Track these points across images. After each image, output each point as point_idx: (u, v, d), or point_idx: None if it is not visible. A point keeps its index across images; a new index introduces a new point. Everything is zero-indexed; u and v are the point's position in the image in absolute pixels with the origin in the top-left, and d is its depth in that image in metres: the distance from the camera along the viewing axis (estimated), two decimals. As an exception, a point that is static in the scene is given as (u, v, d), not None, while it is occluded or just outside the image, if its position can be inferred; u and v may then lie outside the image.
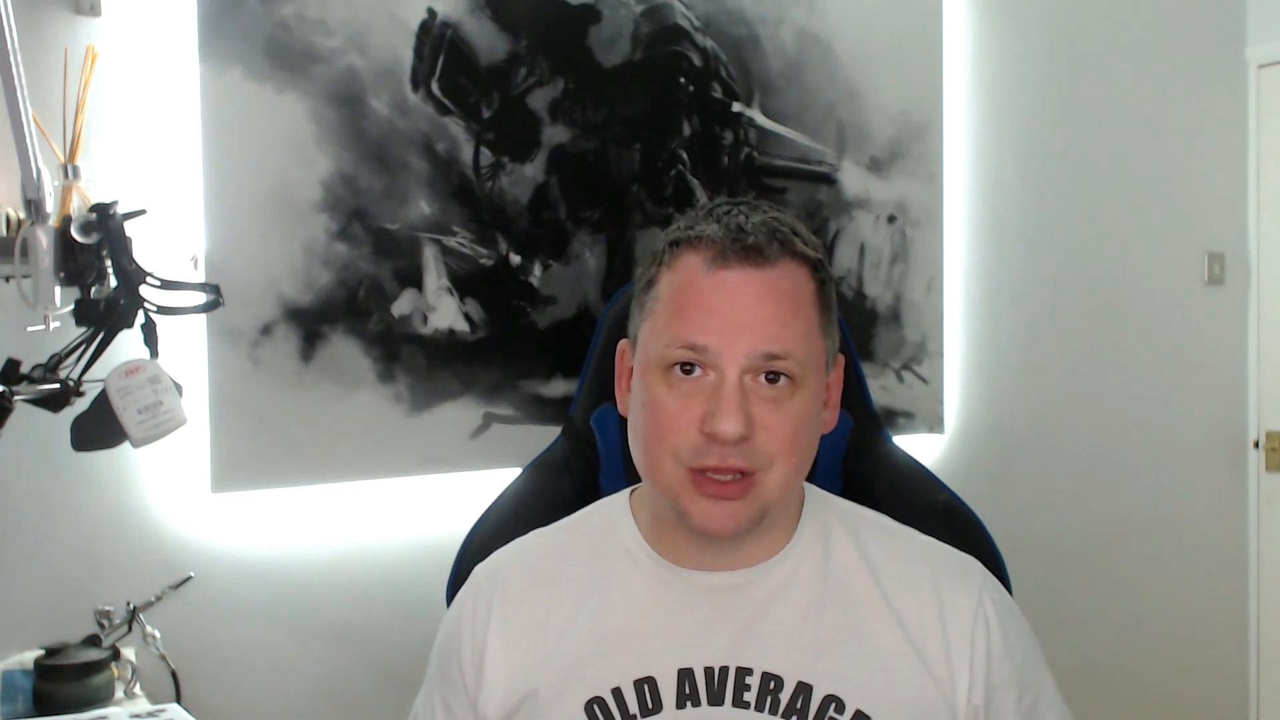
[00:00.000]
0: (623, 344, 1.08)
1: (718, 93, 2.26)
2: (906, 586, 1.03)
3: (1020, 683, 1.02)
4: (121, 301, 1.45)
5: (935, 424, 2.57)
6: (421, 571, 1.93)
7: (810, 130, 2.37)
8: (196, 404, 1.72)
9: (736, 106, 2.28)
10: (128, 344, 1.49)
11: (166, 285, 1.48)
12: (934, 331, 2.56)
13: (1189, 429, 3.06)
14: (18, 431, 1.42)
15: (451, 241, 1.97)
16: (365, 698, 1.91)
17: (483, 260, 2.01)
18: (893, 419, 2.47)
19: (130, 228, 1.45)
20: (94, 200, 1.50)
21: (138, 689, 1.64)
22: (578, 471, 1.34)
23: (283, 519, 1.86)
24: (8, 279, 1.49)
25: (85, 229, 1.43)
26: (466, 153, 1.99)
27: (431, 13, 1.94)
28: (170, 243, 1.72)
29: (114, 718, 1.51)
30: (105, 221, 1.43)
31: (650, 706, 0.98)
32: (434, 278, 1.96)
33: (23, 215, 1.47)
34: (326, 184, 1.86)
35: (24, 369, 1.43)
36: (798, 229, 1.00)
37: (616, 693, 0.99)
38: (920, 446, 2.51)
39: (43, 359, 1.45)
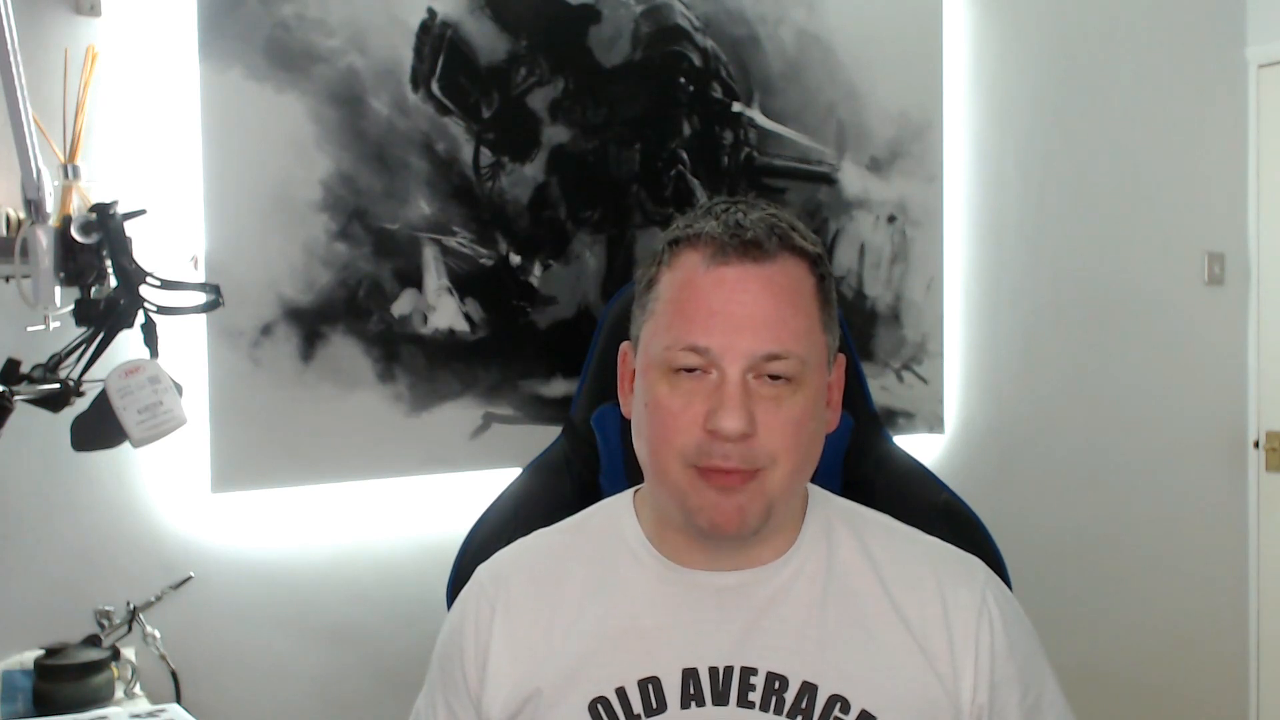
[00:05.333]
0: (624, 346, 1.08)
1: (718, 93, 2.26)
2: (910, 585, 1.03)
3: (1023, 681, 1.02)
4: (121, 301, 1.45)
5: (935, 424, 2.57)
6: (421, 571, 1.93)
7: (810, 130, 2.37)
8: (196, 404, 1.72)
9: (736, 106, 2.28)
10: (128, 344, 1.49)
11: (166, 285, 1.48)
12: (934, 331, 2.56)
13: (1189, 429, 3.06)
14: (18, 431, 1.42)
15: (451, 241, 1.97)
16: (365, 698, 1.91)
17: (483, 260, 2.01)
18: (893, 419, 2.47)
19: (130, 228, 1.45)
20: (94, 200, 1.50)
21: (138, 689, 1.64)
22: (578, 471, 1.34)
23: (283, 519, 1.86)
24: (8, 279, 1.49)
25: (85, 229, 1.43)
26: (466, 153, 1.99)
27: (431, 13, 1.94)
28: (170, 243, 1.72)
29: (114, 718, 1.51)
30: (105, 221, 1.43)
31: (655, 706, 0.98)
32: (434, 278, 1.96)
33: (23, 215, 1.47)
34: (326, 184, 1.86)
35: (24, 369, 1.43)
36: (796, 224, 1.01)
37: (620, 692, 0.99)
38: (920, 446, 2.51)
39: (43, 359, 1.45)
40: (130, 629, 1.66)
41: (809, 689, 0.98)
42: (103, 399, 1.43)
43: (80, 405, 1.46)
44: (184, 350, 1.73)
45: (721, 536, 0.98)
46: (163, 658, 1.68)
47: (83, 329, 1.46)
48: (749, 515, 0.96)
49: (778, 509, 0.99)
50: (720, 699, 0.98)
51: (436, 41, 1.95)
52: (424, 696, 1.11)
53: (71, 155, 1.56)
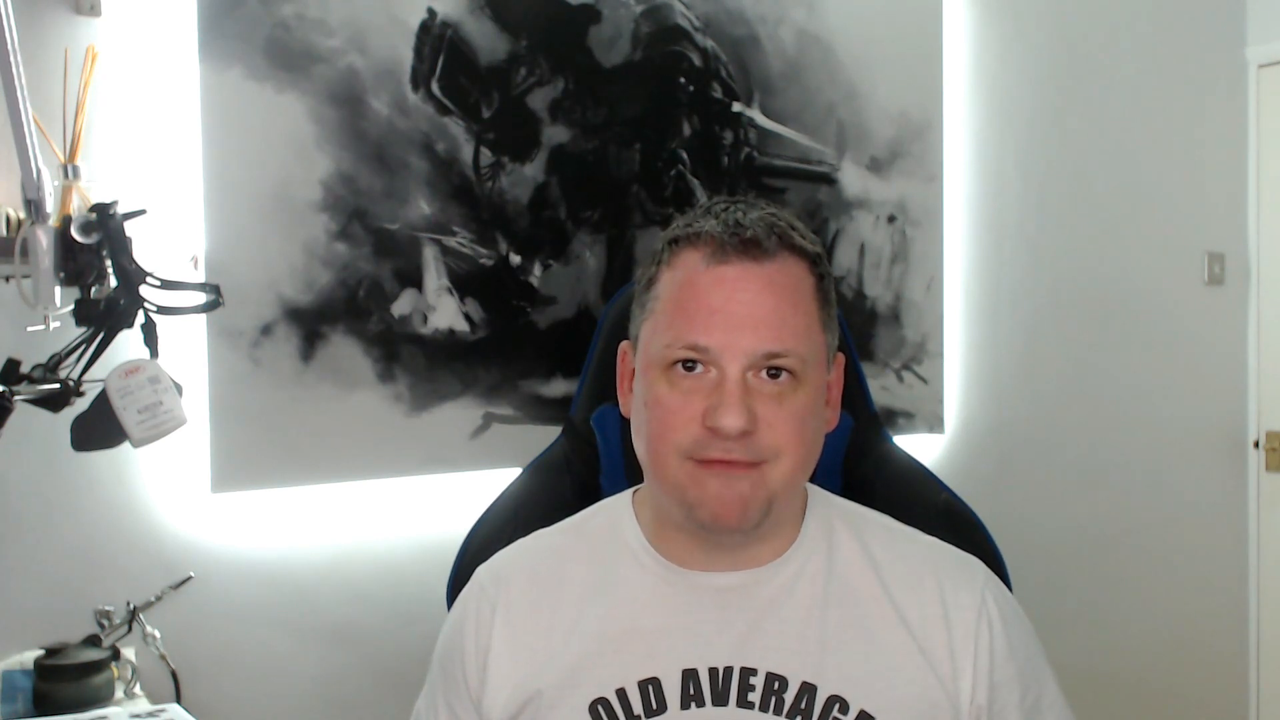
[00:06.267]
0: (624, 345, 1.08)
1: (718, 93, 2.26)
2: (910, 586, 1.03)
3: (1023, 681, 1.02)
4: (121, 301, 1.45)
5: (935, 424, 2.57)
6: (421, 571, 1.93)
7: (810, 130, 2.37)
8: (196, 404, 1.72)
9: (736, 106, 2.28)
10: (128, 344, 1.49)
11: (166, 285, 1.48)
12: (934, 331, 2.56)
13: (1189, 429, 3.06)
14: (18, 431, 1.41)
15: (451, 241, 1.97)
16: (365, 698, 1.91)
17: (483, 260, 2.01)
18: (893, 419, 2.47)
19: (130, 228, 1.45)
20: (94, 200, 1.50)
21: (138, 689, 1.64)
22: (578, 471, 1.34)
23: (283, 519, 1.86)
24: (8, 279, 1.49)
25: (85, 229, 1.43)
26: (466, 153, 1.99)
27: (431, 13, 1.94)
28: (170, 243, 1.72)
29: (114, 718, 1.51)
30: (105, 221, 1.43)
31: (655, 707, 0.98)
32: (434, 278, 1.96)
33: (23, 215, 1.47)
34: (326, 184, 1.86)
35: (24, 369, 1.43)
36: (795, 224, 1.01)
37: (621, 693, 0.99)
38: (920, 446, 2.51)
39: (43, 359, 1.45)
40: (130, 629, 1.66)
41: (808, 689, 0.98)
42: (103, 399, 1.43)
43: (80, 405, 1.46)
44: (184, 350, 1.73)
45: (723, 529, 0.98)
46: (163, 658, 1.68)
47: (83, 329, 1.46)
48: (751, 506, 0.96)
49: (778, 504, 0.99)
50: (720, 699, 0.98)
51: (436, 41, 1.95)
52: (424, 697, 1.11)
53: (71, 155, 1.56)
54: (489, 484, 1.54)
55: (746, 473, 0.95)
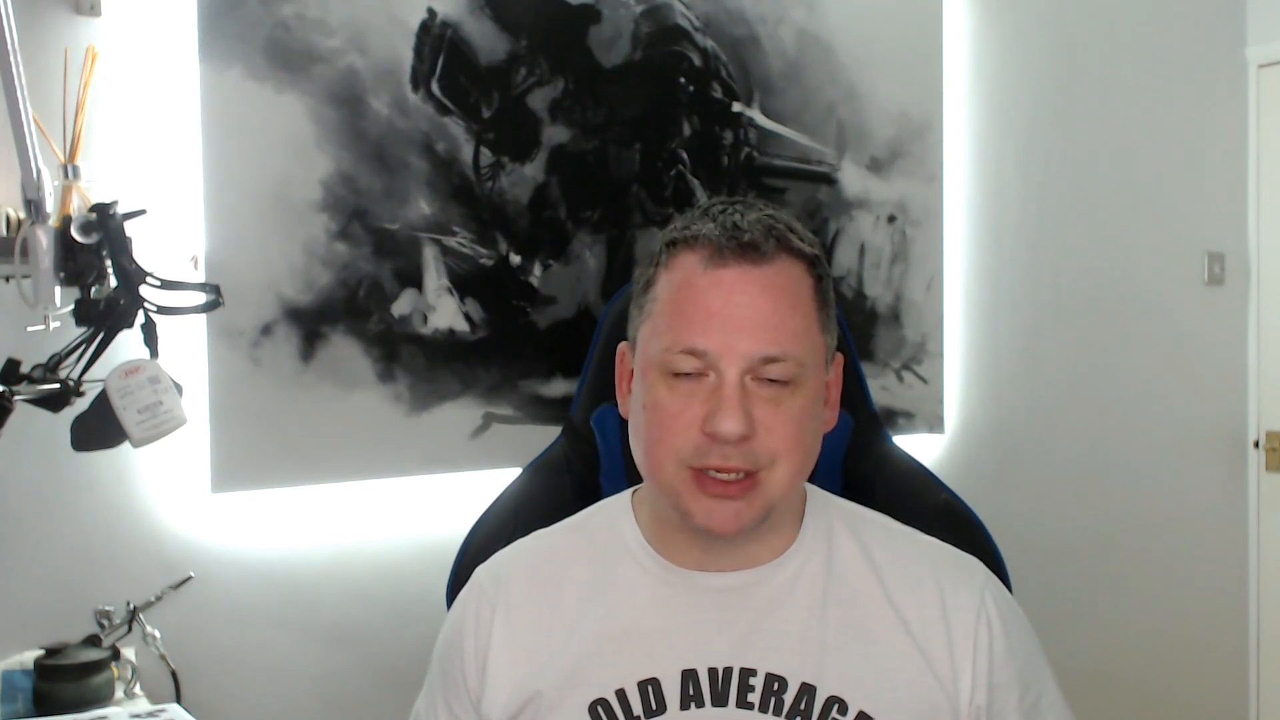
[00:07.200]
0: (622, 346, 1.08)
1: (718, 93, 2.26)
2: (909, 587, 1.03)
3: (1022, 682, 1.02)
4: (121, 301, 1.45)
5: (935, 424, 2.57)
6: (421, 571, 1.94)
7: (810, 130, 2.37)
8: (196, 404, 1.72)
9: (736, 106, 2.28)
10: (128, 344, 1.50)
11: (166, 285, 1.48)
12: (934, 331, 2.56)
13: (1189, 429, 3.06)
14: (18, 431, 1.42)
15: (451, 241, 1.97)
16: (365, 698, 1.91)
17: (483, 260, 2.01)
18: (893, 419, 2.47)
19: (130, 228, 1.45)
20: (94, 200, 1.50)
21: (138, 689, 1.64)
22: (578, 471, 1.34)
23: (283, 519, 1.86)
24: (8, 279, 1.49)
25: (85, 229, 1.43)
26: (466, 153, 1.99)
27: (431, 13, 1.94)
28: (170, 243, 1.72)
29: (114, 718, 1.51)
30: (105, 221, 1.43)
31: (654, 708, 0.98)
32: (434, 278, 1.96)
33: (23, 215, 1.47)
34: (326, 184, 1.86)
35: (24, 369, 1.43)
36: (793, 225, 1.00)
37: (620, 694, 0.99)
38: (920, 446, 2.51)
39: (43, 359, 1.45)
40: (130, 629, 1.66)
41: (808, 690, 0.98)
42: (103, 399, 1.43)
43: (80, 405, 1.46)
44: (184, 350, 1.73)
45: (718, 537, 0.98)
46: (163, 658, 1.68)
47: (83, 329, 1.46)
48: (746, 518, 0.96)
49: (776, 509, 0.99)
50: (719, 700, 0.98)
51: (436, 41, 1.95)
52: (424, 698, 1.11)
53: (71, 155, 1.56)
54: (489, 484, 1.54)
55: (742, 494, 0.95)
